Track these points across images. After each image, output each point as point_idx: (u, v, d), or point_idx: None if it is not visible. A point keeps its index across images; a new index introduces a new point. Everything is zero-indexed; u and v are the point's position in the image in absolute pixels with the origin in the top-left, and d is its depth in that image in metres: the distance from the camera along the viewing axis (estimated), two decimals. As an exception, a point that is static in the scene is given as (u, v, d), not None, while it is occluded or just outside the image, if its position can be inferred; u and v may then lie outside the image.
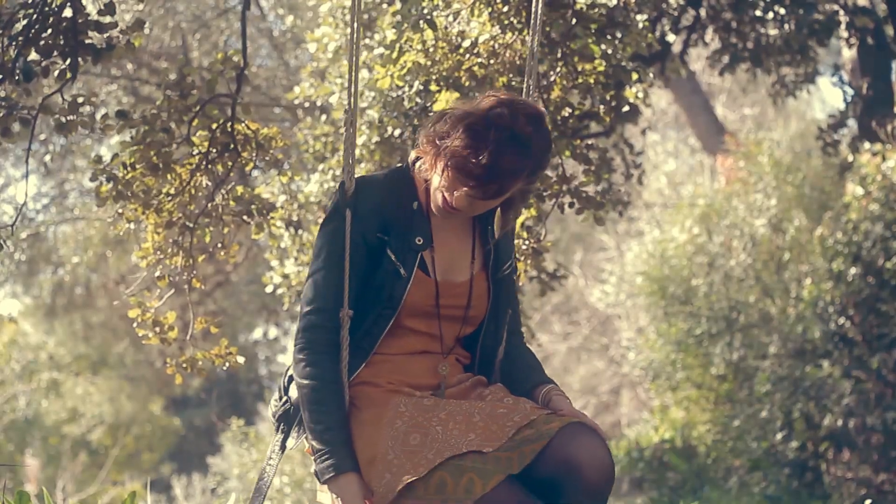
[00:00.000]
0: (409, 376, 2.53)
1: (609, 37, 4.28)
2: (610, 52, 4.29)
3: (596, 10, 4.23)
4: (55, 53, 3.98)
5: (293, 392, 2.58)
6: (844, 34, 7.31)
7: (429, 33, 4.24)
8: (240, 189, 4.40)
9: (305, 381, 2.46)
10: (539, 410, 2.41)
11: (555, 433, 2.33)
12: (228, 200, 4.37)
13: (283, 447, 2.59)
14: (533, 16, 2.82)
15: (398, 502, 2.34)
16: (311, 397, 2.45)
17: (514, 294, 2.71)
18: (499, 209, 2.59)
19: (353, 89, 2.56)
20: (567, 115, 4.45)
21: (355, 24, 2.59)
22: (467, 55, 4.27)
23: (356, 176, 2.55)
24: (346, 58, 5.86)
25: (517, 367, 2.65)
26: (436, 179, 2.47)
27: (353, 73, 2.57)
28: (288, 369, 2.64)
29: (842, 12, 6.98)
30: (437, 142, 2.44)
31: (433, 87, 4.26)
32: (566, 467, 2.31)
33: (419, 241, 2.51)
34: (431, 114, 2.50)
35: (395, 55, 4.32)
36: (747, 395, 8.88)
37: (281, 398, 2.61)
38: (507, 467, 2.31)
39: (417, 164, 2.54)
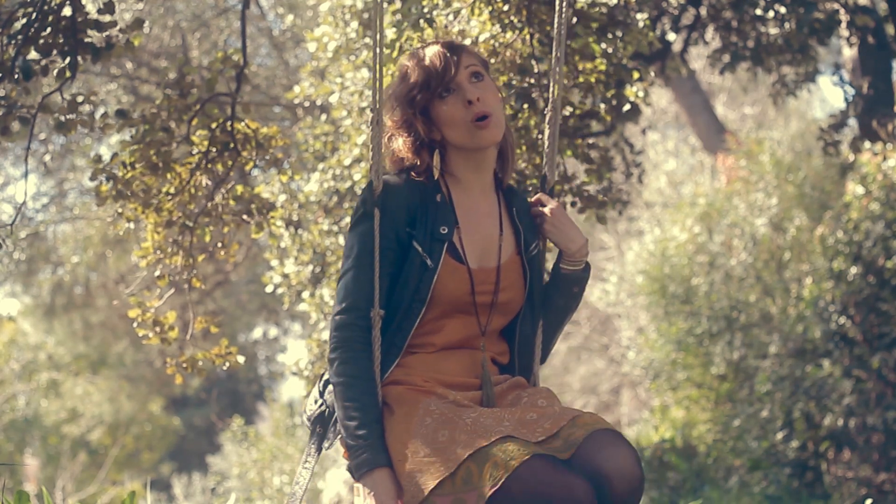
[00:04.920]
0: (445, 374, 2.52)
1: (610, 36, 4.27)
2: (610, 51, 4.29)
3: (596, 8, 4.22)
4: (54, 52, 3.97)
5: (329, 395, 2.58)
6: (845, 33, 7.30)
7: (429, 32, 4.23)
8: (240, 188, 4.40)
9: (339, 379, 2.46)
10: (569, 414, 2.39)
11: (581, 441, 2.31)
12: (228, 200, 4.37)
13: (319, 449, 2.59)
14: (557, 19, 2.81)
15: (428, 500, 2.33)
16: (344, 395, 2.45)
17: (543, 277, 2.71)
18: (501, 158, 2.66)
19: (377, 86, 2.54)
20: (568, 114, 4.45)
21: (378, 28, 2.58)
22: (468, 54, 4.26)
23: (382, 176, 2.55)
24: (347, 57, 5.85)
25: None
26: (449, 130, 2.53)
27: (378, 72, 2.55)
28: (324, 373, 2.64)
29: (842, 11, 6.97)
30: (405, 108, 2.56)
31: (433, 86, 4.24)
32: (595, 478, 2.28)
33: (444, 230, 2.51)
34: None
35: (395, 54, 4.31)
36: (748, 394, 8.87)
37: (316, 401, 2.61)
38: (535, 451, 2.29)
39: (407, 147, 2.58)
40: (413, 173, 2.56)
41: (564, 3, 2.81)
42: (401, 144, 2.57)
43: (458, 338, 2.54)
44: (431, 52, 2.55)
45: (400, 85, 2.57)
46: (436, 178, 2.57)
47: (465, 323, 2.54)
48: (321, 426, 2.59)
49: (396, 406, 2.46)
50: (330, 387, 2.57)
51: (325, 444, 2.58)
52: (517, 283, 2.60)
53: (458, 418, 2.39)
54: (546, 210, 2.65)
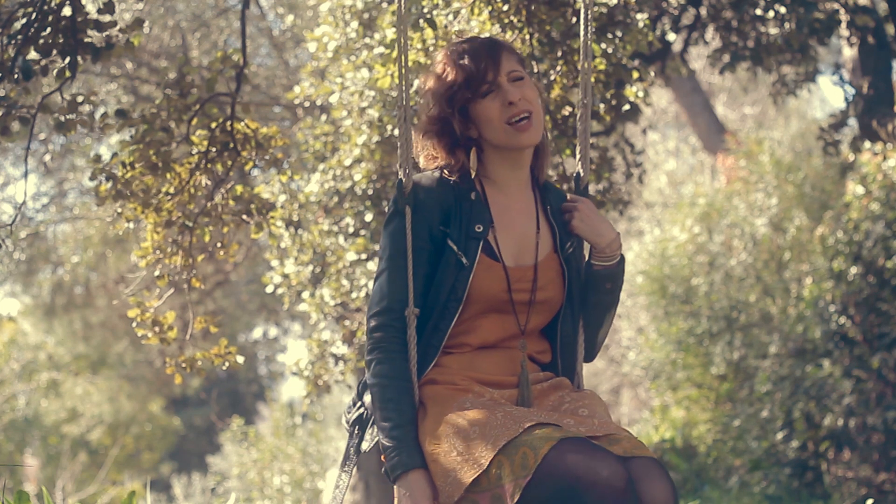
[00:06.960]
0: (482, 373, 2.50)
1: (610, 35, 4.28)
2: (610, 50, 4.29)
3: (596, 8, 4.22)
4: (54, 52, 3.97)
5: (367, 398, 2.56)
6: (845, 33, 7.30)
7: (429, 32, 4.23)
8: (239, 188, 4.39)
9: (376, 380, 2.46)
10: (607, 428, 2.36)
11: (625, 458, 2.28)
12: (228, 200, 4.37)
13: (357, 451, 2.58)
14: (582, 35, 2.80)
15: (467, 499, 2.32)
16: (381, 395, 2.44)
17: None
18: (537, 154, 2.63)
19: (404, 85, 2.53)
20: (567, 113, 4.44)
21: (402, 24, 2.57)
22: (468, 54, 4.25)
23: (414, 174, 2.53)
24: (347, 57, 5.85)
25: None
26: (487, 129, 2.50)
27: (404, 69, 2.53)
28: (364, 377, 2.62)
29: (842, 11, 6.96)
30: (442, 106, 2.51)
31: (433, 86, 4.24)
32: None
33: (479, 228, 2.49)
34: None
35: (394, 54, 4.31)
36: (748, 394, 8.87)
37: (355, 403, 2.60)
38: (564, 435, 2.26)
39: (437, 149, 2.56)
40: (446, 172, 2.53)
41: (586, 8, 2.77)
42: (435, 143, 2.55)
43: (495, 337, 2.52)
44: (471, 51, 2.51)
45: (437, 83, 2.53)
46: (472, 176, 2.54)
47: (502, 322, 2.52)
48: (360, 428, 2.58)
49: (431, 405, 2.45)
50: (368, 389, 2.56)
51: (364, 447, 2.57)
52: (556, 281, 2.57)
53: (491, 413, 2.37)
54: (574, 206, 2.62)
